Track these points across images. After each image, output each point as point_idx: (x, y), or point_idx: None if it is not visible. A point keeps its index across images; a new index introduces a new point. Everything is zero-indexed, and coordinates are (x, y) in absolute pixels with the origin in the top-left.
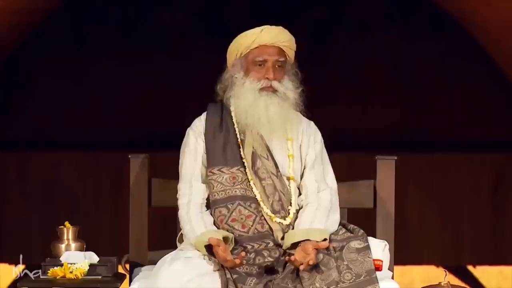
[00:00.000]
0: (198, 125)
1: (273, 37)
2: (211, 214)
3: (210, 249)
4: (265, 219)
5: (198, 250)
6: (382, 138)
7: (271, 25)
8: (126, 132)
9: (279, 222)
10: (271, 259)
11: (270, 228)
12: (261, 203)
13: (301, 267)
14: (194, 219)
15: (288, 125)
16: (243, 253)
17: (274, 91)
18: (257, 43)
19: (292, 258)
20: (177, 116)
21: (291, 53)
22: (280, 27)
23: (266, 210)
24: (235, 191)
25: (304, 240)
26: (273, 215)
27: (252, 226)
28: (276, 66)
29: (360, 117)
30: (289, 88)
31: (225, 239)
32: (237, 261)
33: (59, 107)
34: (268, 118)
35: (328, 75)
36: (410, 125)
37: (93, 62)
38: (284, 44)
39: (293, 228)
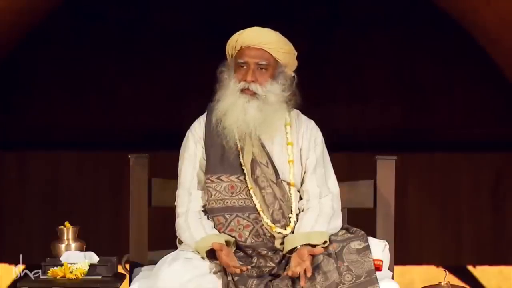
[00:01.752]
0: (198, 129)
1: (254, 38)
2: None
3: (211, 254)
4: (266, 228)
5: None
6: (382, 138)
7: (269, 25)
8: (126, 132)
9: (280, 232)
10: (272, 264)
11: (271, 236)
12: (261, 213)
13: (301, 283)
14: (193, 226)
15: (288, 128)
16: (247, 267)
17: (253, 94)
18: (240, 44)
19: (290, 273)
20: (177, 116)
21: (282, 56)
22: (266, 29)
23: (266, 220)
24: (233, 202)
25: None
26: (273, 225)
27: (248, 236)
28: (259, 68)
29: (360, 117)
30: (272, 91)
31: (227, 243)
32: (244, 268)
33: (59, 107)
34: (246, 121)
35: (328, 75)
36: (410, 125)
37: (93, 62)
38: (269, 46)
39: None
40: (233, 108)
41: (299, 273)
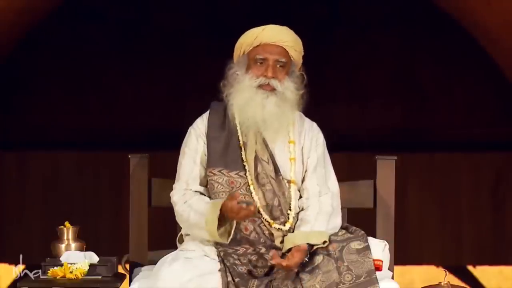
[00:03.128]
0: (200, 124)
1: (274, 35)
2: None
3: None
4: (265, 225)
5: (211, 233)
6: (382, 138)
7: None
8: (126, 132)
9: (279, 228)
10: (273, 262)
11: (270, 233)
12: (260, 209)
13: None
14: (195, 204)
15: (290, 127)
16: (251, 207)
17: (272, 89)
18: (259, 41)
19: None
20: (177, 116)
21: (295, 54)
22: (284, 27)
23: (265, 216)
24: None
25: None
26: (272, 221)
27: (253, 230)
28: (277, 65)
29: (360, 117)
30: (289, 89)
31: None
32: (251, 207)
33: (59, 107)
34: (263, 116)
35: (328, 75)
36: (410, 125)
37: (93, 62)
38: (287, 44)
39: (293, 231)
40: (250, 103)
41: (293, 267)
